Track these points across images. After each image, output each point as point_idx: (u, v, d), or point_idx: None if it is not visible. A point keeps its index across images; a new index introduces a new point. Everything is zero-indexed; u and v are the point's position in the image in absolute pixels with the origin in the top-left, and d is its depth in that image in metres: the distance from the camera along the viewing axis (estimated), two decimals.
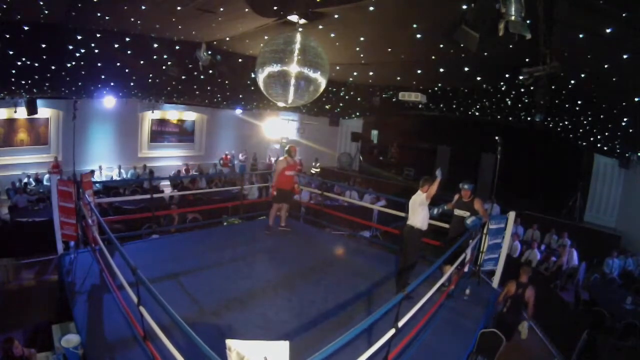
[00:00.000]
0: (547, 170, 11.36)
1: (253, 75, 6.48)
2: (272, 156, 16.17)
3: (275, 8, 4.55)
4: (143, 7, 4.47)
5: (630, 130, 7.12)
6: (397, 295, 2.80)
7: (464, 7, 3.79)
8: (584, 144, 10.49)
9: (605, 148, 9.77)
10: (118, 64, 6.96)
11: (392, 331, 2.68)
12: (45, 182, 10.63)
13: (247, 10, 4.54)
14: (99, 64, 6.92)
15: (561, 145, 11.03)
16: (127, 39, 5.80)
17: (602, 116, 7.17)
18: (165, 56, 6.68)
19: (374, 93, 9.97)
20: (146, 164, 13.29)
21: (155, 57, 6.64)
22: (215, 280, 4.63)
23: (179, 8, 4.49)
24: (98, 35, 5.49)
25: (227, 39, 6.09)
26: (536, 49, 4.14)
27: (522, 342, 5.69)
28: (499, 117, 10.99)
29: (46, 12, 4.54)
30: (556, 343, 5.71)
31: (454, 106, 10.84)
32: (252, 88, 9.21)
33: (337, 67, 7.48)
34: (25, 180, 10.50)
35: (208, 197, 9.77)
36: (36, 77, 7.48)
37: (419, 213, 4.50)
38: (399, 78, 8.32)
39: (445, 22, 4.34)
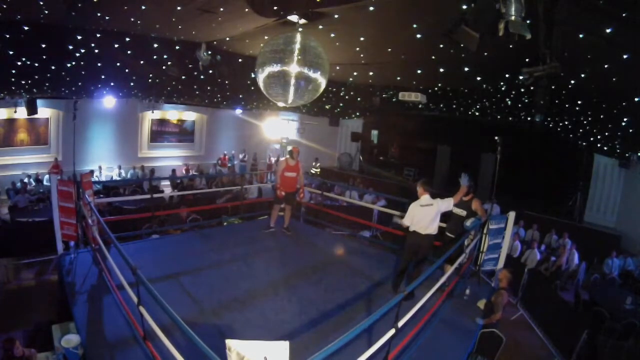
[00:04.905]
0: (547, 170, 11.36)
1: (253, 75, 6.48)
2: (273, 156, 16.18)
3: (275, 8, 4.55)
4: (143, 7, 4.47)
5: (630, 130, 7.13)
6: (398, 293, 2.80)
7: (464, 7, 3.79)
8: (584, 144, 10.50)
9: (605, 148, 9.77)
10: (118, 64, 6.97)
11: (392, 331, 2.68)
12: (45, 182, 10.63)
13: (247, 10, 4.54)
14: (99, 64, 6.93)
15: (561, 145, 11.04)
16: (127, 39, 5.80)
17: (602, 116, 7.18)
18: (165, 56, 6.68)
19: (374, 93, 9.98)
20: (144, 164, 13.30)
21: (155, 57, 6.64)
22: (215, 280, 4.62)
23: (179, 8, 4.49)
24: (98, 35, 5.50)
25: (227, 39, 6.09)
26: (536, 49, 4.14)
27: (522, 342, 5.70)
28: (499, 117, 11.01)
29: (46, 12, 4.54)
30: (556, 343, 5.72)
31: (454, 106, 10.84)
32: (252, 88, 9.22)
33: (337, 67, 7.48)
34: (26, 180, 10.50)
35: (208, 197, 9.76)
36: (36, 77, 7.49)
37: (437, 221, 4.38)
38: (399, 78, 8.33)
39: (445, 22, 4.34)
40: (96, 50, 6.06)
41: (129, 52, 6.31)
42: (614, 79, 5.09)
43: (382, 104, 10.58)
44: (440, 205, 4.33)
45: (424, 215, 4.30)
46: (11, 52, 5.75)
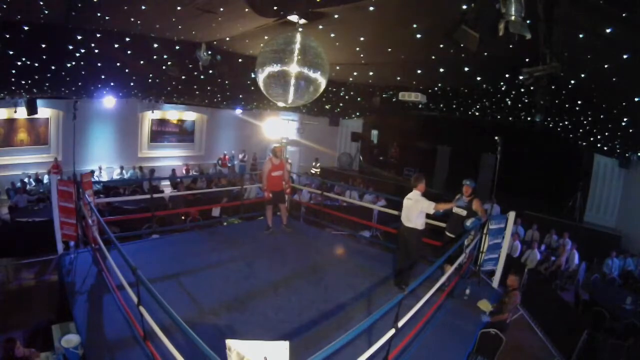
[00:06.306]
0: (547, 170, 11.37)
1: (253, 75, 6.48)
2: None
3: (275, 8, 4.54)
4: (143, 7, 4.47)
5: (630, 130, 7.12)
6: (397, 294, 2.80)
7: (464, 7, 3.79)
8: (584, 144, 10.49)
9: (605, 148, 9.77)
10: (118, 64, 6.96)
11: (392, 331, 2.68)
12: (45, 182, 10.62)
13: (247, 10, 4.53)
14: (99, 64, 6.92)
15: (561, 145, 11.04)
16: (127, 39, 5.80)
17: (602, 116, 7.17)
18: (165, 56, 6.67)
19: (374, 93, 9.97)
20: (143, 164, 13.31)
21: (155, 57, 6.63)
22: (215, 280, 4.63)
23: (179, 8, 4.49)
24: (98, 35, 5.49)
25: (227, 39, 6.09)
26: (536, 49, 4.14)
27: (522, 342, 5.70)
28: (499, 117, 10.99)
29: (46, 12, 4.54)
30: (556, 343, 5.72)
31: (454, 106, 10.84)
32: (252, 88, 9.21)
33: (337, 67, 7.47)
34: (25, 180, 10.49)
35: (209, 196, 9.75)
36: (36, 77, 7.48)
37: (420, 217, 4.52)
38: (399, 78, 8.32)
39: (445, 22, 4.34)
40: (96, 50, 6.05)
41: (129, 52, 6.30)
42: (614, 79, 5.08)
43: (382, 104, 10.57)
44: (418, 203, 4.47)
45: (405, 207, 4.61)
46: (11, 52, 5.74)
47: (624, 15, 3.29)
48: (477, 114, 11.33)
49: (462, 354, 3.62)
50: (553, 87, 5.96)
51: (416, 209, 4.48)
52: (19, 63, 6.26)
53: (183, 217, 7.89)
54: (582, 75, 5.42)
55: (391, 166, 15.57)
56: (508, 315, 4.27)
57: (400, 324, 2.72)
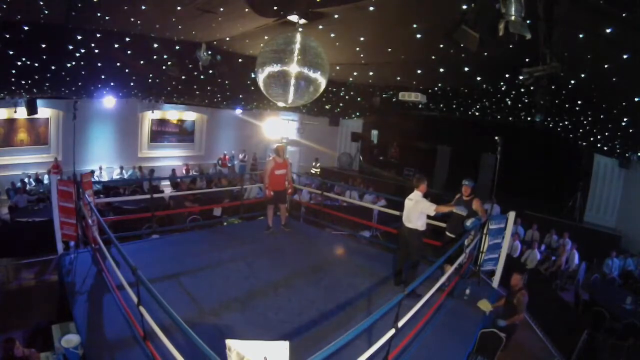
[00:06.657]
0: (547, 170, 11.36)
1: (253, 75, 6.48)
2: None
3: (275, 8, 4.54)
4: (143, 7, 4.47)
5: (630, 130, 7.12)
6: (397, 294, 2.80)
7: (464, 7, 3.79)
8: (584, 144, 10.49)
9: (605, 148, 9.77)
10: (118, 64, 6.96)
11: (392, 331, 2.68)
12: (45, 182, 10.63)
13: (247, 10, 4.54)
14: (99, 64, 6.92)
15: (561, 145, 11.04)
16: (127, 39, 5.80)
17: (602, 116, 7.17)
18: (165, 56, 6.67)
19: (374, 93, 9.98)
20: (145, 164, 13.31)
21: (155, 57, 6.63)
22: (215, 280, 4.63)
23: (179, 8, 4.49)
24: (98, 35, 5.49)
25: (227, 39, 6.09)
26: (536, 49, 4.14)
27: (522, 342, 5.70)
28: (499, 117, 11.00)
29: (46, 12, 4.54)
30: (556, 343, 5.71)
31: (454, 106, 10.84)
32: (252, 88, 9.21)
33: (337, 67, 7.47)
34: (25, 180, 10.49)
35: (208, 197, 9.75)
36: (36, 77, 7.48)
37: (421, 218, 4.52)
38: (399, 78, 8.32)
39: (445, 22, 4.34)
40: (96, 50, 6.05)
41: (129, 52, 6.30)
42: (614, 79, 5.08)
43: (382, 104, 10.57)
44: (419, 204, 4.46)
45: (406, 207, 4.61)
46: (11, 52, 5.75)
47: (624, 15, 3.29)
48: (477, 114, 11.33)
49: (462, 354, 3.63)
50: (553, 87, 5.96)
51: (417, 210, 4.47)
52: (19, 63, 6.26)
53: (186, 214, 7.94)
54: (582, 75, 5.42)
55: (391, 166, 15.56)
56: (523, 315, 4.29)
57: (400, 324, 2.72)
